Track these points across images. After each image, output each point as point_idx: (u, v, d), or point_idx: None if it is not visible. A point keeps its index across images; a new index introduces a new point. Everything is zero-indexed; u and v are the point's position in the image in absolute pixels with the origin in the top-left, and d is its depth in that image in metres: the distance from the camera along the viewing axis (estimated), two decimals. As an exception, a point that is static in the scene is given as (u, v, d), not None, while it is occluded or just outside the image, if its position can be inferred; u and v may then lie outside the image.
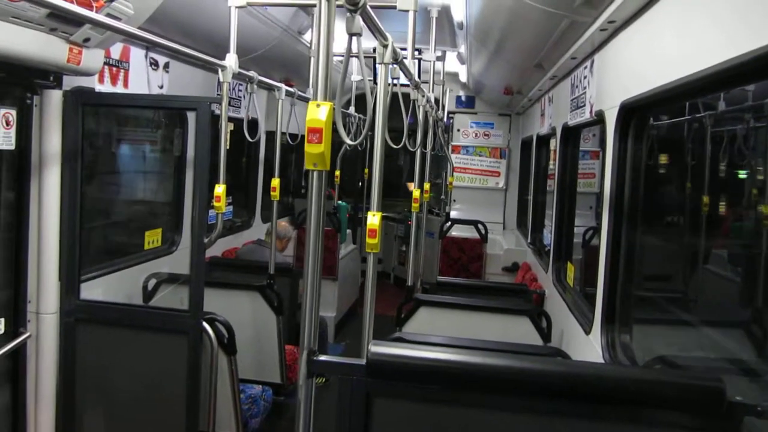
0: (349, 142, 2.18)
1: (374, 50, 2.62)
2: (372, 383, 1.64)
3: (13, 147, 3.33)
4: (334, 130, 1.69)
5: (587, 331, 3.59)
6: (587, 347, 3.50)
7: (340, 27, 1.87)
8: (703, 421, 1.61)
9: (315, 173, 1.69)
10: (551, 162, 6.56)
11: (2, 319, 3.39)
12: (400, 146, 4.01)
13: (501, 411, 1.65)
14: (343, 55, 2.06)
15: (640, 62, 3.04)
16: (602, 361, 3.12)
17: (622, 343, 3.13)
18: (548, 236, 6.21)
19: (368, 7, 1.97)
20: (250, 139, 4.92)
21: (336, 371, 1.70)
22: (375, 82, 4.89)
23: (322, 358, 1.70)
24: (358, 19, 1.94)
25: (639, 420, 1.65)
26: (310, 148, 1.61)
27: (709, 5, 2.25)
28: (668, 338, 3.90)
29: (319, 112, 1.61)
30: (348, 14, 1.91)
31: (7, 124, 3.28)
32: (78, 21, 2.99)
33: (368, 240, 2.51)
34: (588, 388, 1.61)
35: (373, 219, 2.49)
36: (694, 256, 5.14)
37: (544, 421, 1.64)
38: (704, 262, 5.10)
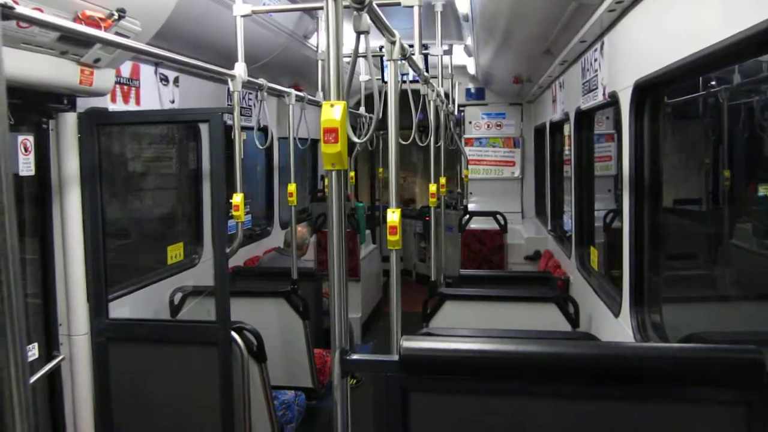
0: (356, 140, 2.18)
1: (380, 49, 2.62)
2: (406, 378, 1.63)
3: (33, 172, 3.37)
4: None
5: (616, 314, 3.56)
6: (618, 330, 3.48)
7: (346, 28, 1.88)
8: (743, 394, 1.58)
9: (334, 173, 1.69)
10: (566, 147, 6.52)
11: (36, 344, 3.43)
12: (408, 142, 4.00)
13: (540, 398, 1.64)
14: (350, 56, 2.06)
15: (652, 40, 3.01)
16: (634, 342, 3.09)
17: (653, 323, 3.10)
18: (568, 222, 6.16)
19: (374, 4, 1.97)
20: (261, 147, 4.94)
21: (369, 369, 1.69)
22: (383, 81, 4.88)
23: (355, 356, 1.70)
24: (365, 17, 1.94)
25: (679, 397, 1.63)
26: (327, 149, 1.61)
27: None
28: (698, 316, 3.86)
29: (333, 112, 1.62)
30: (355, 13, 1.92)
31: (26, 150, 3.32)
32: (87, 42, 3.02)
33: (389, 237, 2.51)
34: (626, 369, 1.59)
35: (393, 216, 2.49)
36: (719, 231, 5.07)
37: (584, 405, 1.62)
38: (729, 236, 5.04)
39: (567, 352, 1.59)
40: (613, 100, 3.64)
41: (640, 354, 1.63)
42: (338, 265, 1.72)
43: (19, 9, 2.20)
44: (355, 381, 5.80)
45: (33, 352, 3.40)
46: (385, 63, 2.96)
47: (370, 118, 8.07)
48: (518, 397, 1.64)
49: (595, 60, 4.17)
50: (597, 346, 1.99)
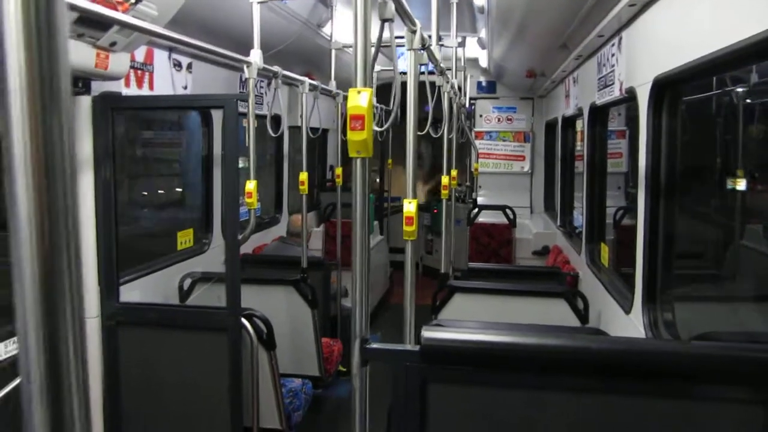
0: (376, 128, 2.17)
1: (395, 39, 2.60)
2: (426, 369, 1.63)
3: (46, 155, 3.36)
4: None
5: (627, 311, 3.55)
6: (628, 326, 3.47)
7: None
8: (760, 393, 1.58)
9: (359, 161, 1.68)
10: (578, 143, 6.49)
11: (46, 325, 3.44)
12: (423, 133, 3.99)
13: (556, 391, 1.64)
14: (374, 45, 2.05)
15: (673, 36, 2.98)
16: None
17: (665, 321, 3.09)
18: (578, 218, 6.15)
19: (398, -7, 1.96)
20: (273, 134, 4.93)
21: (390, 358, 1.69)
22: (394, 71, 4.86)
23: (376, 345, 1.69)
24: (391, 5, 1.93)
25: (694, 395, 1.63)
26: (353, 136, 1.60)
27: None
28: (710, 315, 3.84)
29: (360, 99, 1.60)
30: (380, 0, 1.90)
31: (40, 132, 3.31)
32: (105, 24, 3.01)
33: (405, 227, 2.50)
34: (644, 365, 1.59)
35: (410, 206, 2.48)
36: (730, 232, 5.05)
37: (602, 400, 1.62)
38: (740, 237, 5.01)
39: (590, 347, 1.58)
40: (630, 96, 3.61)
41: (658, 350, 1.63)
42: (360, 254, 1.71)
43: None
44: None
45: (44, 333, 3.41)
46: (399, 53, 2.93)
47: (381, 109, 8.05)
48: (536, 390, 1.64)
49: (612, 55, 4.14)
50: (616, 341, 1.99)
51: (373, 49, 1.95)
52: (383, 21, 1.95)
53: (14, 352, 3.30)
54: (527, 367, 1.63)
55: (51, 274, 0.60)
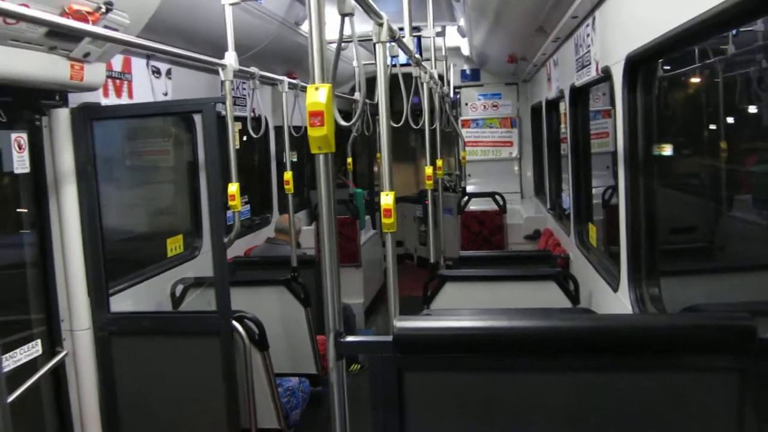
0: (344, 123, 2.17)
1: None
2: (401, 358, 1.64)
3: (28, 170, 3.37)
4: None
5: (615, 289, 3.56)
6: (617, 304, 3.49)
7: (333, 11, 1.86)
8: (736, 361, 1.60)
9: (321, 157, 1.69)
10: (562, 125, 6.50)
11: (39, 340, 3.45)
12: (400, 124, 3.98)
13: (533, 372, 1.65)
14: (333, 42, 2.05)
15: (643, 12, 2.99)
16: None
17: (651, 296, 3.11)
18: (567, 200, 6.16)
19: (359, -14, 1.96)
20: (255, 135, 4.93)
21: (364, 350, 1.71)
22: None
23: (349, 339, 1.71)
24: (350, 0, 1.93)
25: (673, 366, 1.64)
26: (313, 132, 1.61)
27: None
28: (698, 288, 3.86)
29: (318, 95, 1.61)
30: (338, -5, 1.91)
31: (20, 148, 3.32)
32: (76, 36, 3.02)
33: (384, 220, 2.51)
34: (619, 340, 1.60)
35: (387, 199, 2.49)
36: (718, 203, 5.06)
37: (578, 378, 1.63)
38: (728, 208, 5.03)
39: (559, 326, 1.60)
40: (606, 75, 3.62)
41: (633, 324, 1.64)
42: (329, 249, 1.73)
43: (5, 5, 2.20)
44: (359, 366, 5.83)
45: (36, 348, 3.42)
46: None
47: (363, 103, 8.04)
48: (512, 372, 1.66)
49: (588, 35, 4.15)
50: (590, 318, 2.01)
51: (333, 46, 1.96)
52: (343, 16, 1.95)
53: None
54: (502, 351, 1.64)
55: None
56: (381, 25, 2.50)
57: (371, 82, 3.40)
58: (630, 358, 1.62)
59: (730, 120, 4.61)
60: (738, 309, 3.35)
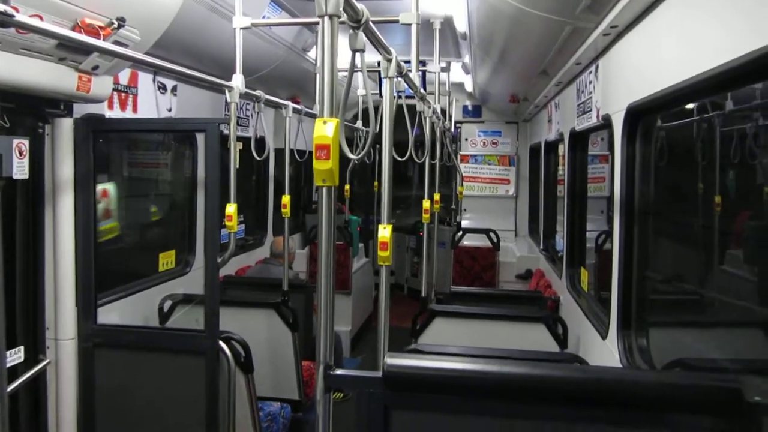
0: (351, 156, 2.19)
1: (378, 64, 2.64)
2: (390, 396, 1.64)
3: (26, 176, 3.37)
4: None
5: (603, 336, 3.57)
6: (605, 352, 3.49)
7: (344, 42, 1.89)
8: (722, 423, 1.60)
9: (324, 189, 1.70)
10: (560, 167, 6.55)
11: (22, 347, 3.42)
12: (405, 158, 4.01)
13: (521, 419, 1.65)
14: (346, 71, 2.08)
15: (645, 65, 3.04)
16: (620, 365, 3.10)
17: (639, 347, 3.12)
18: (560, 242, 6.18)
19: (371, 23, 2.00)
20: (258, 158, 4.95)
21: (353, 385, 1.70)
22: (381, 95, 4.94)
23: (339, 372, 1.70)
24: (361, 36, 1.96)
25: (659, 424, 1.64)
26: (318, 165, 1.63)
27: (710, 6, 2.25)
28: (686, 341, 3.87)
29: (325, 129, 1.63)
30: (351, 31, 1.94)
31: (21, 153, 3.33)
32: (86, 50, 3.04)
33: (380, 253, 2.52)
34: (606, 394, 1.60)
35: (384, 231, 2.49)
36: (709, 257, 5.09)
37: (564, 428, 1.63)
38: (719, 262, 5.05)
39: (548, 375, 1.60)
40: (606, 123, 3.67)
41: (621, 379, 1.64)
42: (326, 278, 1.73)
43: (19, 17, 2.22)
44: (342, 395, 5.78)
45: (19, 354, 3.39)
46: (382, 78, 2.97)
47: (367, 132, 8.10)
48: (501, 418, 1.65)
49: (590, 82, 4.21)
50: (579, 369, 2.01)
51: (343, 76, 1.99)
52: (354, 51, 1.98)
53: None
54: (492, 395, 1.64)
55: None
56: (390, 60, 2.54)
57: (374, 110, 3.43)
58: (617, 412, 1.62)
59: (725, 173, 4.66)
60: (725, 365, 3.37)
